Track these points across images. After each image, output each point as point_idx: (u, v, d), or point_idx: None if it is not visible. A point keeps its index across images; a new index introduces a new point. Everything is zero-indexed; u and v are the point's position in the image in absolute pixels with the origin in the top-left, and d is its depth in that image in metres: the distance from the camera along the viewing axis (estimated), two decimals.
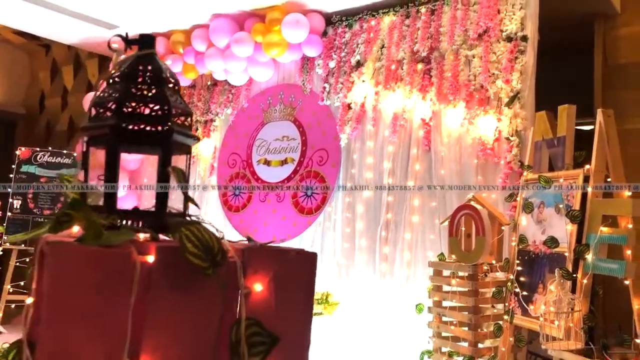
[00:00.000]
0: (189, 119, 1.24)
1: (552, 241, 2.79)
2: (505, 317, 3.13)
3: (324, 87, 4.89)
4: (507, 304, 3.15)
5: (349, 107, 4.69)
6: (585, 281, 2.61)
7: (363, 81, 4.61)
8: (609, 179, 2.75)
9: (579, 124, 3.97)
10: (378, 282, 4.28)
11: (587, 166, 2.75)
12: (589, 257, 2.62)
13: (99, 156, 1.21)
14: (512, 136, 3.74)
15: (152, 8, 5.10)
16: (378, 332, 4.07)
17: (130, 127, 1.15)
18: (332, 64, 4.84)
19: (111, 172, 1.17)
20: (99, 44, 6.24)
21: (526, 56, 3.79)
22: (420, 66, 4.30)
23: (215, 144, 5.70)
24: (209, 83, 5.82)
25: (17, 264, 5.93)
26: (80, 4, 5.13)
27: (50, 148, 6.66)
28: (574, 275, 2.67)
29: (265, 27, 4.96)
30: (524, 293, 2.99)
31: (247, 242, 1.24)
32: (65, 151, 6.58)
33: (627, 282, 2.53)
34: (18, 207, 6.15)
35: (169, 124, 1.15)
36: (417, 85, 4.26)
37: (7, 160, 7.40)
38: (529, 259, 3.03)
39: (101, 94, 1.21)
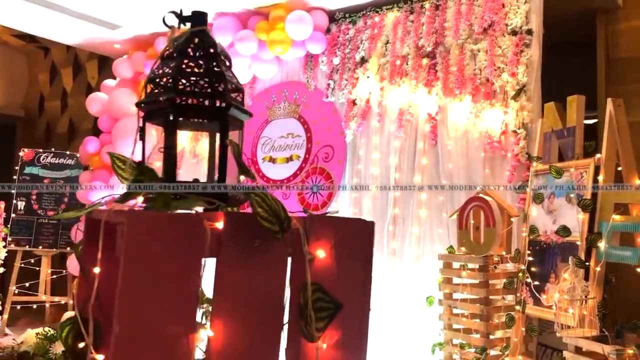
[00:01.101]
0: (241, 95, 1.25)
1: (564, 230, 2.81)
2: (517, 307, 3.15)
3: (328, 84, 4.91)
4: (518, 295, 3.17)
5: (354, 103, 4.71)
6: (598, 269, 2.64)
7: (368, 77, 4.63)
8: (619, 168, 2.78)
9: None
10: (386, 276, 4.29)
11: (598, 155, 2.78)
12: (602, 245, 2.65)
13: (154, 132, 1.22)
14: (519, 129, 3.76)
15: (155, 8, 5.11)
16: (388, 326, 4.08)
17: (189, 101, 1.16)
18: (336, 61, 4.86)
19: (170, 146, 1.17)
20: (100, 44, 6.25)
21: (531, 49, 3.82)
22: (425, 61, 4.32)
23: None
24: None
25: (22, 264, 5.92)
26: (81, 3, 5.13)
27: (53, 149, 6.66)
28: (587, 263, 2.69)
29: (269, 24, 4.98)
30: (536, 283, 3.02)
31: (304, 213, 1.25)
32: (68, 152, 6.57)
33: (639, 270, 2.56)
34: (22, 208, 6.15)
35: (227, 98, 1.16)
36: (423, 80, 4.28)
37: (8, 163, 7.39)
38: (540, 249, 3.06)
39: (156, 71, 1.21)
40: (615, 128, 2.75)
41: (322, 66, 4.97)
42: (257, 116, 5.45)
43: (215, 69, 1.19)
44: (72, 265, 6.03)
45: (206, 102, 1.15)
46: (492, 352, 3.23)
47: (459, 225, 3.44)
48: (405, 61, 4.43)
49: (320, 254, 1.07)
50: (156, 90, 1.20)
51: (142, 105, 1.23)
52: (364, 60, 4.70)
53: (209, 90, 1.16)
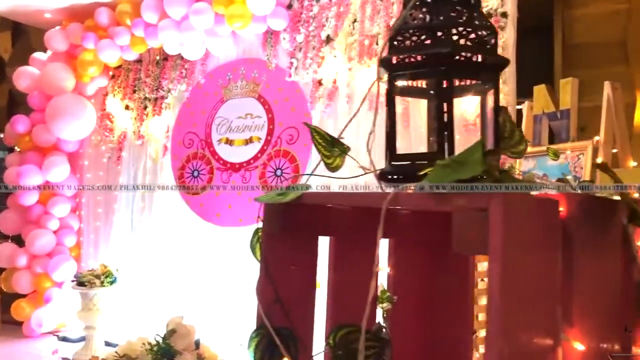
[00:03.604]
0: None
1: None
2: None
3: (291, 62, 4.70)
4: None
5: (319, 83, 4.54)
6: None
7: (335, 56, 4.47)
8: (614, 150, 2.82)
9: None
10: None
11: (597, 137, 2.80)
12: None
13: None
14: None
15: None
16: None
17: (465, 57, 0.94)
18: (300, 38, 4.66)
19: (442, 115, 0.93)
20: (27, 13, 5.65)
21: (507, 32, 3.82)
22: None
23: (168, 122, 5.34)
24: (158, 57, 5.43)
25: None
26: None
27: None
28: None
29: None
30: None
31: None
32: None
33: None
34: None
35: (498, 54, 0.97)
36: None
37: None
38: None
39: (409, 19, 0.98)
40: (613, 111, 2.78)
41: (284, 43, 4.75)
42: (211, 95, 5.14)
43: (483, 18, 0.98)
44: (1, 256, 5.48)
45: (479, 59, 0.95)
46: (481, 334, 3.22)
47: None
48: (375, 41, 4.31)
49: None
50: (412, 43, 0.97)
51: (389, 64, 0.99)
52: (329, 39, 4.53)
53: (482, 43, 0.95)
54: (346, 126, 1.21)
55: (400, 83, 1.03)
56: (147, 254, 5.23)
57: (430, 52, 0.94)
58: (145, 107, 5.44)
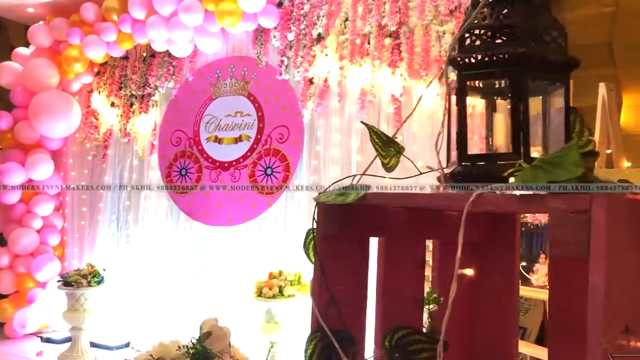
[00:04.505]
0: None
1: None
2: None
3: (282, 61, 4.67)
4: None
5: (310, 81, 4.52)
6: None
7: (326, 55, 4.46)
8: (608, 150, 2.86)
9: None
10: None
11: (590, 138, 2.83)
12: None
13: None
14: None
15: None
16: None
17: (538, 57, 0.93)
18: (290, 37, 4.63)
19: (517, 114, 0.92)
20: (9, 7, 5.52)
21: None
22: (388, 41, 4.22)
23: (155, 120, 5.28)
24: (144, 54, 5.36)
25: None
26: None
27: None
28: None
29: None
30: (523, 263, 3.05)
31: None
32: None
33: None
34: None
35: (569, 54, 0.96)
36: (386, 60, 4.18)
37: None
38: (526, 231, 3.09)
39: (480, 17, 0.96)
40: (608, 112, 2.82)
41: (274, 41, 4.72)
42: (199, 93, 5.09)
43: (553, 17, 0.98)
44: None
45: (553, 58, 0.94)
46: None
47: None
48: (367, 40, 4.31)
49: None
50: (483, 42, 0.95)
51: (460, 64, 0.97)
52: (321, 38, 4.51)
53: (555, 42, 0.94)
54: (401, 125, 1.20)
55: (470, 83, 1.03)
56: (133, 253, 5.16)
57: (505, 52, 0.94)
58: (132, 105, 5.36)
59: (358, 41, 4.33)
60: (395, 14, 4.18)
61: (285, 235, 4.51)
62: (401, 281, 0.89)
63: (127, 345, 4.89)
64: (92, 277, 4.46)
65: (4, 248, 5.29)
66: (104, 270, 4.59)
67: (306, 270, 4.23)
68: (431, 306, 0.92)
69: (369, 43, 4.29)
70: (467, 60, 0.99)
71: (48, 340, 5.09)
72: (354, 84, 4.34)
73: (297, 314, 4.05)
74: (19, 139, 5.41)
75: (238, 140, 4.84)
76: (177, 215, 5.02)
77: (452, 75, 1.05)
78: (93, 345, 4.72)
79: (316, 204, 0.87)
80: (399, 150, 1.03)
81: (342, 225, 0.86)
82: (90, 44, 5.16)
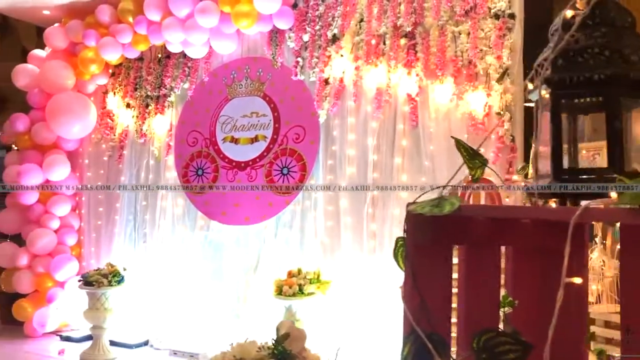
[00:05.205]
0: None
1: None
2: None
3: (297, 62, 4.72)
4: None
5: (326, 82, 4.57)
6: (618, 247, 2.75)
7: (341, 55, 4.51)
8: None
9: None
10: (366, 259, 4.25)
11: None
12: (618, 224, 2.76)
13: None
14: (502, 111, 3.84)
15: None
16: (374, 310, 4.05)
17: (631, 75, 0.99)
18: (305, 37, 4.68)
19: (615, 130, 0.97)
20: (26, 10, 5.57)
21: (514, 33, 3.90)
22: (403, 41, 4.26)
23: (171, 120, 5.33)
24: (159, 55, 5.42)
25: None
26: None
27: None
28: (604, 241, 2.80)
29: None
30: None
31: None
32: None
33: None
34: None
35: None
36: (402, 61, 4.23)
37: None
38: None
39: (572, 40, 1.03)
40: None
41: (289, 42, 4.77)
42: (215, 93, 5.14)
43: (638, 37, 1.05)
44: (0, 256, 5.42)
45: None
46: None
47: None
48: (382, 40, 4.36)
49: None
50: (578, 63, 1.01)
51: (554, 83, 1.04)
52: (336, 38, 4.56)
53: None
54: (485, 139, 1.27)
55: (564, 100, 1.09)
56: (151, 252, 5.22)
57: (600, 72, 1.01)
58: (147, 106, 5.42)
59: (373, 42, 4.38)
60: (410, 14, 4.23)
61: (303, 234, 4.57)
62: (482, 286, 0.94)
63: (145, 343, 4.96)
64: (113, 276, 4.53)
65: (23, 248, 5.35)
66: (124, 269, 4.66)
67: (325, 268, 4.29)
68: (506, 309, 0.97)
69: (384, 43, 4.34)
70: (562, 80, 1.06)
71: (67, 339, 5.16)
72: (369, 83, 4.39)
73: (317, 311, 4.11)
74: (36, 140, 5.47)
75: (254, 140, 4.89)
76: (194, 214, 5.08)
77: (544, 93, 1.11)
78: (112, 343, 4.78)
79: (406, 214, 0.93)
80: (484, 162, 1.09)
81: (431, 234, 0.91)
82: (105, 45, 5.21)
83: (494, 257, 0.95)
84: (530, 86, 1.13)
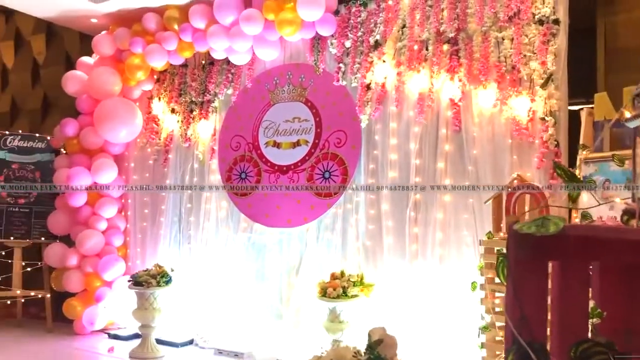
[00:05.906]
0: None
1: (631, 215, 2.91)
2: None
3: (339, 67, 4.80)
4: None
5: (368, 87, 4.64)
6: None
7: (384, 61, 4.57)
8: None
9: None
10: (409, 262, 4.30)
11: None
12: None
13: None
14: (547, 116, 3.86)
15: None
16: (419, 313, 4.10)
17: None
18: (347, 44, 4.76)
19: None
20: (75, 18, 5.77)
21: (558, 39, 3.92)
22: (446, 47, 4.31)
23: (215, 125, 5.47)
24: (203, 62, 5.56)
25: None
26: None
27: (20, 131, 6.13)
28: None
29: (277, 4, 4.79)
30: None
31: None
32: (37, 135, 6.07)
33: None
34: None
35: None
36: (445, 66, 4.27)
37: None
38: None
39: None
40: None
41: (331, 49, 4.86)
42: (257, 99, 5.26)
43: None
44: (50, 256, 5.63)
45: None
46: None
47: (506, 211, 3.49)
48: (425, 46, 4.41)
49: None
50: None
51: None
52: (378, 44, 4.63)
53: None
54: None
55: None
56: (195, 253, 5.36)
57: None
58: (192, 111, 5.57)
59: (416, 47, 4.43)
60: (453, 20, 4.27)
61: (344, 237, 4.64)
62: (574, 298, 1.00)
63: (191, 342, 5.09)
64: (161, 277, 4.67)
65: (72, 249, 5.55)
66: (172, 270, 4.80)
67: (367, 271, 4.36)
68: (594, 320, 1.03)
69: (427, 49, 4.39)
70: None
71: (115, 337, 5.32)
72: (411, 89, 4.44)
73: (360, 313, 4.18)
74: (84, 145, 5.66)
75: (296, 144, 4.99)
76: (237, 216, 5.20)
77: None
78: (159, 342, 4.93)
79: (509, 233, 0.99)
80: (580, 186, 1.15)
81: (530, 251, 0.98)
82: (152, 52, 5.37)
83: (585, 271, 1.01)
84: (627, 114, 1.19)
